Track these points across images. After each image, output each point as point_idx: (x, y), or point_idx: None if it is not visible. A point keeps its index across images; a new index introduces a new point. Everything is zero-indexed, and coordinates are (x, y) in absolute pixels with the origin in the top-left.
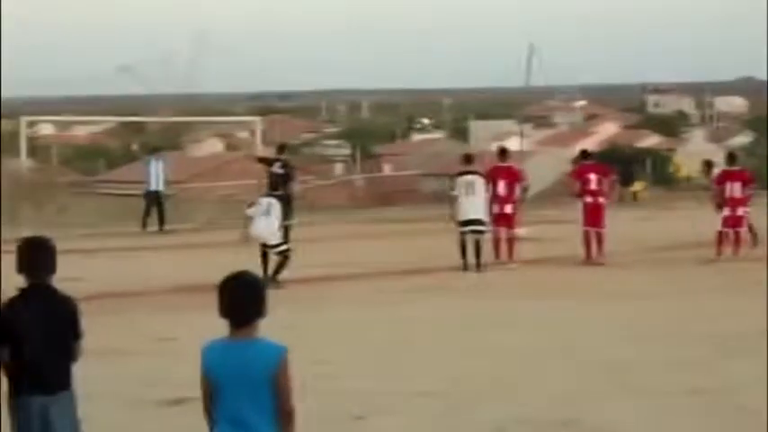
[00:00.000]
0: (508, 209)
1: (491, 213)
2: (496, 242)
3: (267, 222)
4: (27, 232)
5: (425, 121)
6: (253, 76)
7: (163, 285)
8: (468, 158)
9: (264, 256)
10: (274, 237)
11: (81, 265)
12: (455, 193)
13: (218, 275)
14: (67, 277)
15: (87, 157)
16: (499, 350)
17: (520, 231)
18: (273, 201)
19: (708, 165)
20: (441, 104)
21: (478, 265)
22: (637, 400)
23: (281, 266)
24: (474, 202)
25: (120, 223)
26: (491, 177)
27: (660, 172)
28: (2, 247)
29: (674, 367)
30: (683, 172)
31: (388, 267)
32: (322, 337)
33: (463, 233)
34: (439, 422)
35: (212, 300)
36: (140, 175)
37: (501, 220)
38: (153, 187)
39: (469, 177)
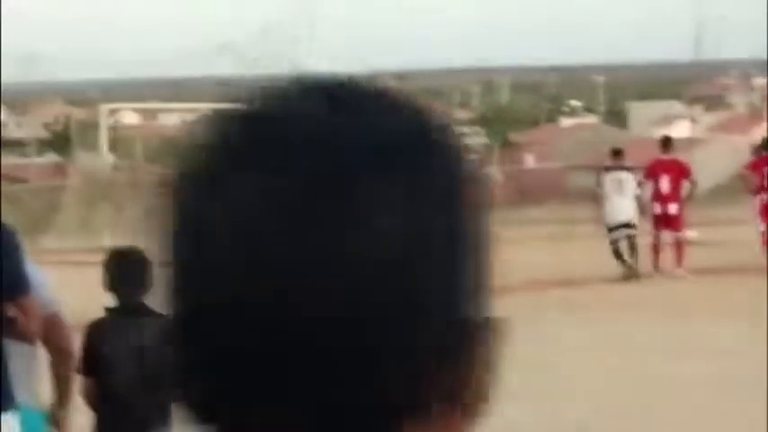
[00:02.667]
0: (672, 209)
1: (651, 214)
2: (656, 248)
3: None
4: (107, 240)
5: (575, 102)
6: (366, 52)
7: None
8: (617, 153)
9: None
10: None
11: None
12: (602, 191)
13: None
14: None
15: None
16: (666, 380)
17: (689, 234)
18: None
19: None
20: (593, 83)
21: (633, 275)
22: None
23: None
24: (622, 202)
25: None
26: (652, 172)
27: None
28: (78, 258)
29: None
30: None
31: (531, 278)
32: None
33: (613, 239)
34: None
35: None
36: None
37: (664, 221)
38: None
39: (618, 174)
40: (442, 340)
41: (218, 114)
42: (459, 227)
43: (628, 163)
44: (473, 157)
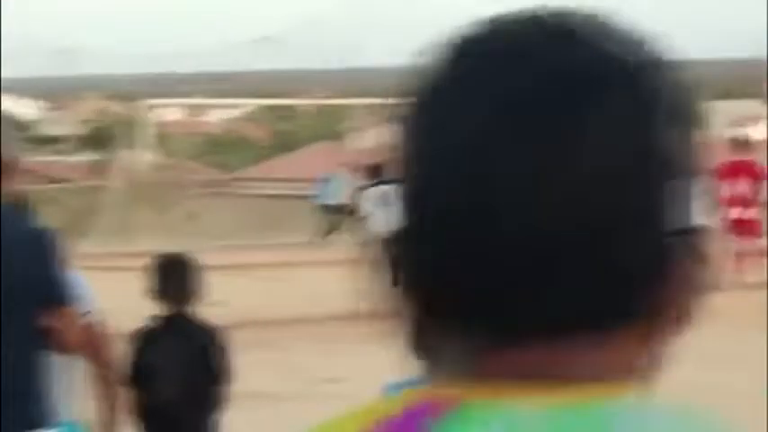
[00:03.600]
0: (749, 214)
1: (726, 219)
2: (736, 256)
3: None
4: (148, 244)
5: None
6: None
7: (323, 311)
8: None
9: None
10: None
11: (219, 286)
12: None
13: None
14: (205, 301)
15: (223, 150)
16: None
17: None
18: None
19: None
20: None
21: None
22: None
23: None
24: None
25: (267, 232)
26: (726, 174)
27: None
28: (118, 263)
29: None
30: None
31: None
32: None
33: None
34: None
35: (381, 330)
36: (290, 170)
37: (740, 227)
38: (334, 201)
39: None
40: (657, 255)
41: (450, 38)
42: (679, 146)
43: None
44: (686, 84)
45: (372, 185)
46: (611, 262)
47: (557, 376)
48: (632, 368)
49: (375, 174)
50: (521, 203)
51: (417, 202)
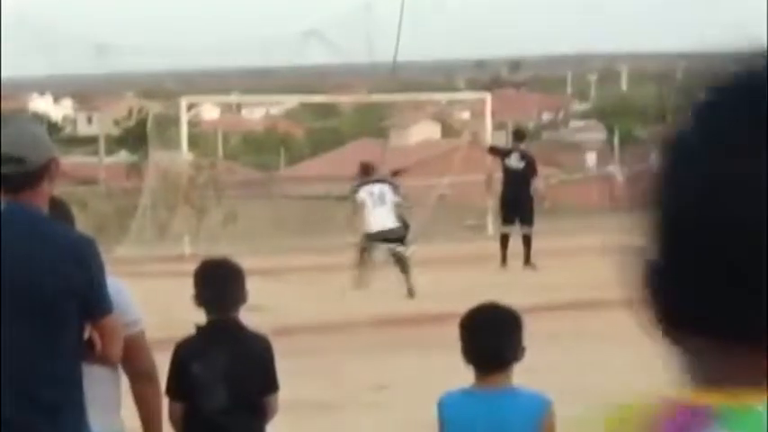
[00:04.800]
0: None
1: None
2: None
3: None
4: (187, 248)
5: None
6: (474, 39)
7: (367, 316)
8: None
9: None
10: None
11: (260, 291)
12: None
13: (437, 304)
14: (246, 306)
15: (262, 148)
16: None
17: None
18: None
19: None
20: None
21: None
22: None
23: None
24: None
25: (308, 234)
26: None
27: None
28: (155, 268)
29: None
30: None
31: None
32: (576, 382)
33: None
34: None
35: (429, 336)
36: (332, 168)
37: None
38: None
39: None
40: None
41: (717, 77)
42: None
43: None
44: None
45: (366, 183)
46: None
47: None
48: None
49: (367, 172)
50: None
51: (677, 230)
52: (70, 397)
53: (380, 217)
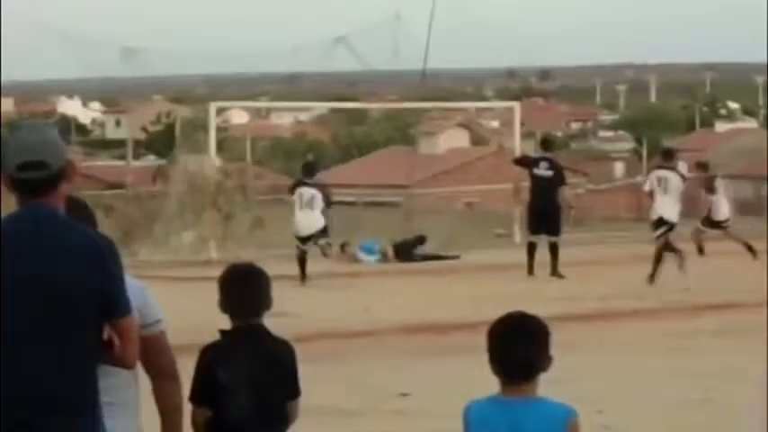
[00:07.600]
0: None
1: None
2: None
3: None
4: (213, 253)
5: (733, 105)
6: (504, 47)
7: (392, 323)
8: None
9: None
10: None
11: (287, 297)
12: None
13: (464, 313)
14: (271, 312)
15: (290, 154)
16: None
17: None
18: None
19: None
20: (753, 83)
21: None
22: None
23: None
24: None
25: (338, 241)
26: None
27: None
28: (182, 273)
29: None
30: None
31: (682, 302)
32: (600, 393)
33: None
34: None
35: (454, 344)
36: (361, 175)
37: None
38: None
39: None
40: None
41: None
42: None
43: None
44: None
45: (301, 184)
46: None
47: None
48: None
49: (309, 172)
50: None
51: None
52: (87, 398)
53: None
